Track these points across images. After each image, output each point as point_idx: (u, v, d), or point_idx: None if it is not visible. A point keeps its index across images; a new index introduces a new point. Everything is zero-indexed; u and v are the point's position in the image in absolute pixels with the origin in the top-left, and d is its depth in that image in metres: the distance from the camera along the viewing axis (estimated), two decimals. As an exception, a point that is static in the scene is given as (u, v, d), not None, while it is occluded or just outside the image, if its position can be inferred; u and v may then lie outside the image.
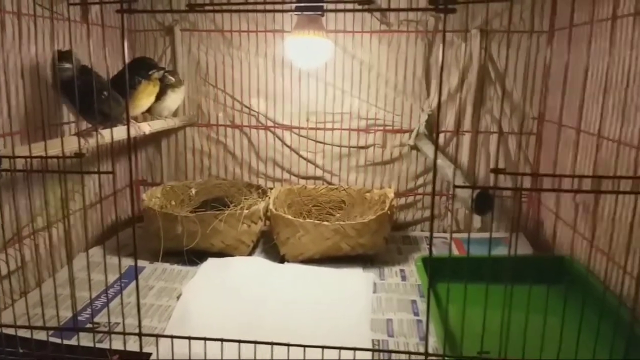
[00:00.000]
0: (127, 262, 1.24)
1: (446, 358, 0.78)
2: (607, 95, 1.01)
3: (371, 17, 1.44)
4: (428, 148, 1.47)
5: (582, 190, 0.76)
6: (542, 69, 1.42)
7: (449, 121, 1.51)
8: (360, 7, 0.60)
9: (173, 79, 1.43)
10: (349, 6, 0.63)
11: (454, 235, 1.52)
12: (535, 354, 0.73)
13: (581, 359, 0.73)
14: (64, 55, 1.05)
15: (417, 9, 0.55)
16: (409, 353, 0.83)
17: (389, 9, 0.77)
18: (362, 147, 1.57)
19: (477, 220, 1.53)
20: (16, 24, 1.00)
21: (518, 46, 1.43)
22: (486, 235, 1.44)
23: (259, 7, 0.71)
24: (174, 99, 1.45)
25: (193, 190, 1.53)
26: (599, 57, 1.07)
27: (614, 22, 1.00)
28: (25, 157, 0.79)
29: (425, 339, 0.80)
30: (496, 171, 0.63)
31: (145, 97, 1.29)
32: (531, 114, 1.47)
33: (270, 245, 1.37)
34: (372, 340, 0.95)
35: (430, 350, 0.89)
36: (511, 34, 1.42)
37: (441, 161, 1.38)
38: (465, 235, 1.51)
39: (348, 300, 1.09)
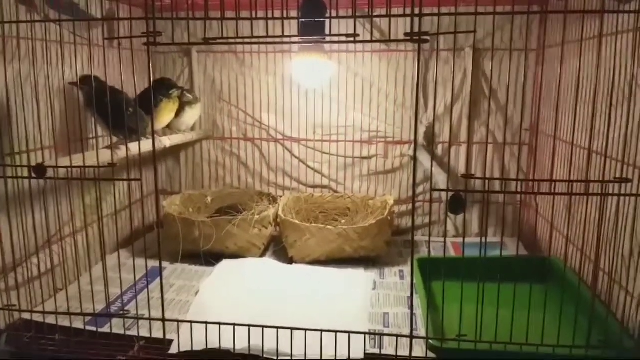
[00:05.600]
0: (149, 263, 1.37)
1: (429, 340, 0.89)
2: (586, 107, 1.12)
3: (371, 38, 1.57)
4: (425, 158, 1.58)
5: (540, 193, 0.86)
6: (532, 83, 1.53)
7: (445, 133, 1.63)
8: (346, 39, 0.72)
9: (190, 96, 1.56)
10: (340, 38, 0.76)
11: (454, 239, 1.64)
12: (507, 339, 0.84)
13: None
14: (82, 79, 1.16)
15: (395, 40, 0.65)
16: (397, 336, 0.93)
17: (372, 41, 0.89)
18: (365, 158, 1.69)
19: (475, 225, 1.64)
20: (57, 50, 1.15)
21: (509, 62, 1.54)
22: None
23: (264, 39, 0.84)
24: (191, 115, 1.59)
25: (209, 198, 1.65)
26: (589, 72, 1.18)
27: (582, 42, 1.11)
28: (66, 167, 0.92)
29: (410, 322, 0.91)
30: (466, 176, 0.75)
31: (166, 114, 1.43)
32: (523, 126, 1.58)
33: (280, 248, 1.48)
34: (369, 330, 1.06)
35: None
36: (503, 52, 1.54)
37: (436, 170, 1.49)
38: (466, 239, 1.61)
39: (349, 296, 1.20)
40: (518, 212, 1.60)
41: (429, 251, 1.02)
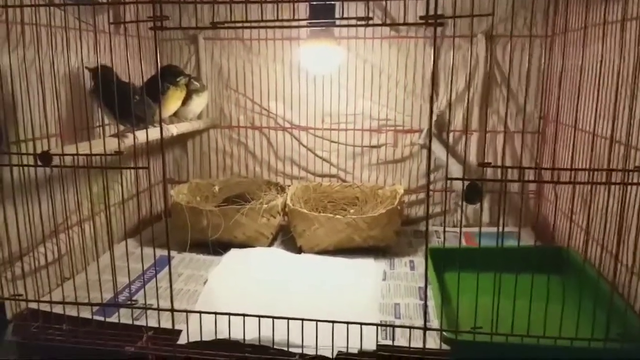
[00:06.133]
0: (157, 252, 1.35)
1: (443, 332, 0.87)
2: (600, 95, 1.09)
3: (385, 21, 1.53)
4: (437, 147, 1.55)
5: (559, 182, 0.84)
6: (545, 71, 1.49)
7: (457, 121, 1.60)
8: (357, 22, 0.69)
9: (198, 84, 1.54)
10: (351, 21, 0.73)
11: (464, 229, 1.61)
12: (523, 331, 0.82)
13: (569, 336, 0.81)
14: (94, 69, 1.15)
15: (410, 24, 0.62)
16: (410, 327, 0.92)
17: (385, 24, 0.87)
18: (374, 147, 1.66)
19: (486, 215, 1.61)
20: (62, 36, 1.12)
21: (522, 49, 1.51)
22: (494, 229, 1.53)
23: (274, 23, 0.81)
24: (198, 103, 1.56)
25: (216, 187, 1.64)
26: (594, 60, 1.15)
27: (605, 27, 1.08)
28: (72, 155, 0.90)
29: (424, 313, 0.89)
30: (483, 165, 0.73)
31: (173, 102, 1.41)
32: (536, 114, 1.55)
33: (288, 238, 1.47)
34: (380, 321, 1.04)
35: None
36: (517, 38, 1.50)
37: (448, 159, 1.47)
38: (474, 229, 1.59)
39: (359, 287, 1.18)
40: (530, 202, 1.58)
41: (444, 241, 0.99)
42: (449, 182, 1.62)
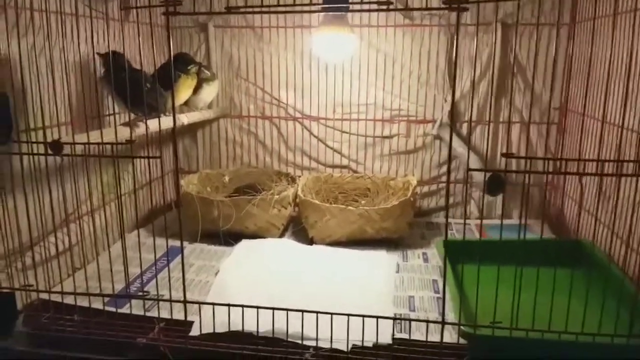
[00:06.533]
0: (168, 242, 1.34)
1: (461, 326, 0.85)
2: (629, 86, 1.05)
3: (406, 6, 1.50)
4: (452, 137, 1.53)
5: (586, 173, 0.81)
6: (563, 60, 1.46)
7: (472, 111, 1.56)
8: (378, 7, 0.67)
9: (208, 73, 1.52)
10: (371, 6, 0.71)
11: (477, 221, 1.58)
12: (543, 326, 0.80)
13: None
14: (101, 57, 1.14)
15: (432, 8, 0.60)
16: (427, 322, 0.90)
17: (406, 9, 0.84)
18: (386, 137, 1.64)
19: (499, 207, 1.59)
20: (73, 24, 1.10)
21: (539, 38, 1.47)
22: (508, 221, 1.51)
23: (289, 8, 0.79)
24: (208, 92, 1.54)
25: (226, 178, 1.62)
26: (621, 49, 1.11)
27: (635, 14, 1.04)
28: (83, 144, 0.89)
29: (443, 307, 0.87)
30: (507, 155, 0.70)
31: (184, 90, 1.39)
32: (552, 104, 1.51)
33: (299, 229, 1.45)
34: (395, 314, 1.02)
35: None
36: (532, 27, 1.47)
37: (462, 149, 1.44)
38: (488, 221, 1.57)
39: (372, 279, 1.16)
40: (545, 194, 1.55)
41: (464, 233, 0.97)
42: (456, 173, 1.60)
